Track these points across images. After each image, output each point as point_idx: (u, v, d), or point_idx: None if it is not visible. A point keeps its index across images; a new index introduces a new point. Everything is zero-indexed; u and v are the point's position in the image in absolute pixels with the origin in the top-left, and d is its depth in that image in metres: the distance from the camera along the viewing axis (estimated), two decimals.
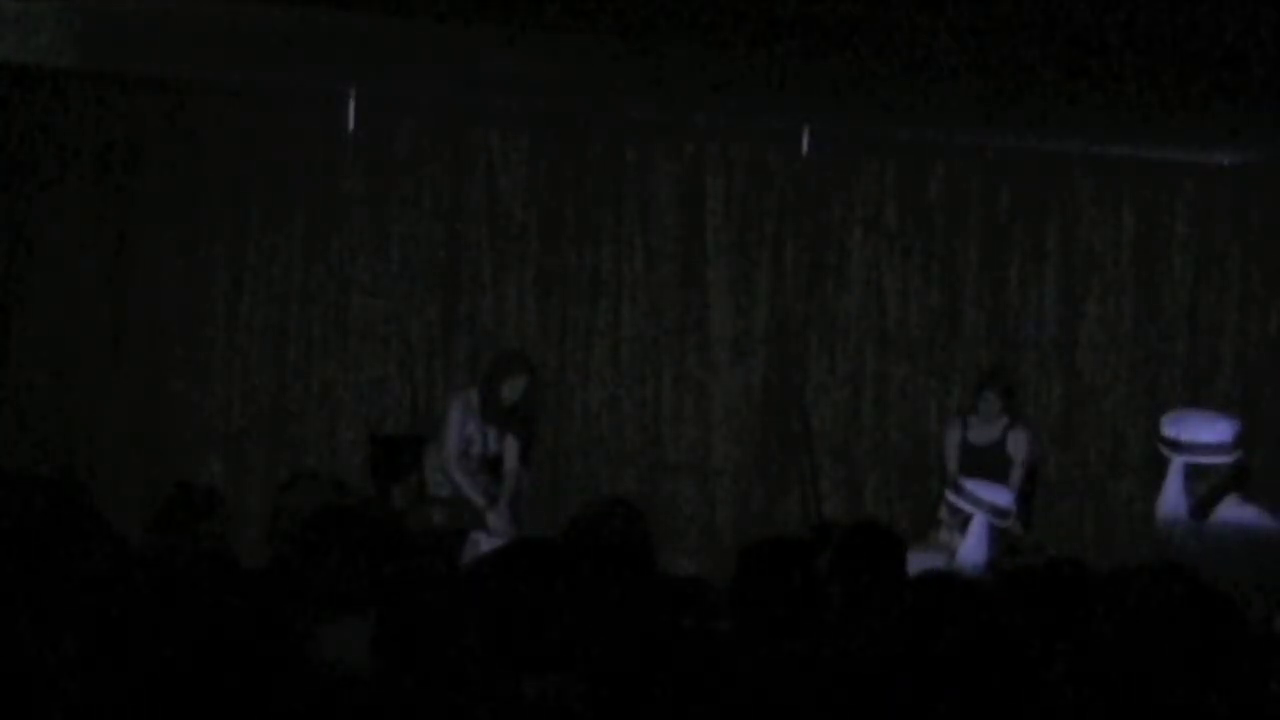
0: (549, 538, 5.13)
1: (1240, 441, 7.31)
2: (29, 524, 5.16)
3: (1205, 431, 7.23)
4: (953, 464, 9.80)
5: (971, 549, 7.59)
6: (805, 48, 8.28)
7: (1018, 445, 9.78)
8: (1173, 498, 7.13)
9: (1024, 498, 9.82)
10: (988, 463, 9.71)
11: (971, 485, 7.86)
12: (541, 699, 3.54)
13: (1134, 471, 11.22)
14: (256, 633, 3.50)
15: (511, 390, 9.32)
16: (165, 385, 10.03)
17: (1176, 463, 7.10)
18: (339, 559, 4.72)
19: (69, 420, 9.87)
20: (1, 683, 3.54)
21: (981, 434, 9.79)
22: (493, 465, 9.46)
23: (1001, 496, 7.88)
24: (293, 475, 7.76)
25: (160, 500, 5.72)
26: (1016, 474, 9.72)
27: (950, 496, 7.78)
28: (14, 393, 9.78)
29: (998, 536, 7.71)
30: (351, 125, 10.28)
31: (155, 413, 9.99)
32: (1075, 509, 11.16)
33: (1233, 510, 7.12)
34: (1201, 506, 7.06)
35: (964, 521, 7.68)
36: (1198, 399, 11.23)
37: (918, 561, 8.51)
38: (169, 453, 9.92)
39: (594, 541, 4.86)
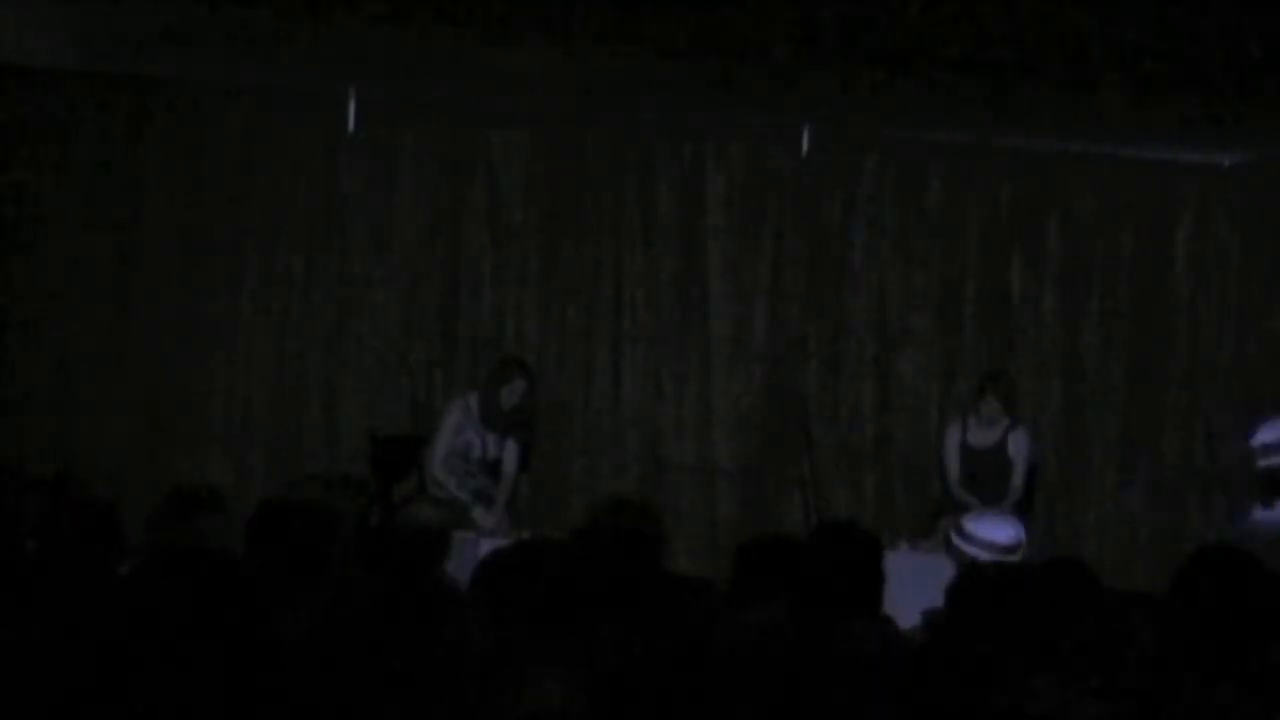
0: (557, 537, 5.15)
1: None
2: (30, 523, 5.16)
3: (1265, 433, 7.23)
4: (953, 467, 9.79)
5: None
6: (805, 48, 8.28)
7: (1018, 447, 9.77)
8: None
9: (1024, 499, 9.82)
10: (988, 465, 9.70)
11: (973, 525, 7.76)
12: (543, 696, 3.54)
13: (1135, 472, 11.21)
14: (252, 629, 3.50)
15: (510, 395, 9.33)
16: (165, 385, 10.03)
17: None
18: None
19: (69, 420, 9.87)
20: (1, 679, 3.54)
21: (981, 436, 9.78)
22: (492, 468, 9.47)
23: (1003, 533, 7.76)
24: (296, 477, 7.78)
25: (160, 500, 5.71)
26: (1017, 476, 9.71)
27: (956, 540, 7.69)
28: (14, 392, 9.78)
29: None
30: (351, 125, 10.28)
31: (155, 413, 9.98)
32: (1076, 510, 11.15)
33: (1261, 513, 7.12)
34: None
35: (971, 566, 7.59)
36: (1197, 399, 11.23)
37: (920, 561, 8.53)
38: (169, 453, 9.92)
39: (605, 540, 4.87)
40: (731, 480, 10.79)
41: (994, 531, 7.75)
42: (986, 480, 9.64)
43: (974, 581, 4.40)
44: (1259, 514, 7.39)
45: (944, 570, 6.92)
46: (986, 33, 7.87)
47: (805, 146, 10.79)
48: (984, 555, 7.54)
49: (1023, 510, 9.61)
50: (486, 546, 8.16)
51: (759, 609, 4.72)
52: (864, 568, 4.96)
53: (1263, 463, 7.85)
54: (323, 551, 4.95)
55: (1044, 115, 9.84)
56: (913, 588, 5.53)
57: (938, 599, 4.71)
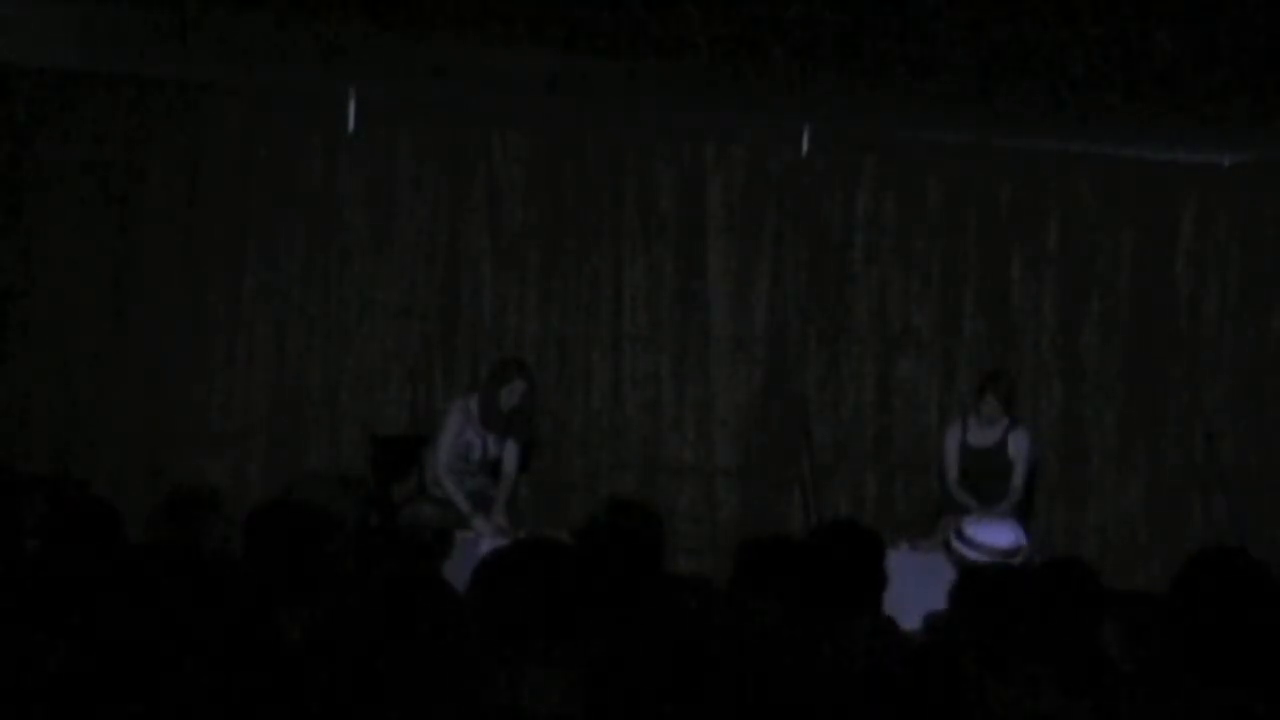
0: (557, 537, 5.14)
1: None
2: (30, 523, 5.16)
3: None
4: (952, 467, 9.79)
5: None
6: (805, 48, 8.28)
7: (1018, 447, 9.77)
8: None
9: (1024, 499, 9.81)
10: (988, 465, 9.69)
11: (973, 529, 7.75)
12: (542, 697, 3.53)
13: (1135, 472, 11.21)
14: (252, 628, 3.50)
15: (509, 396, 9.33)
16: (165, 385, 10.03)
17: None
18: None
19: (69, 420, 9.87)
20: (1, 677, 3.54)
21: (981, 436, 9.78)
22: (493, 468, 9.47)
23: (1004, 537, 7.75)
24: (296, 477, 7.77)
25: (159, 500, 5.71)
26: (1017, 476, 9.71)
27: (956, 544, 7.68)
28: (14, 392, 9.77)
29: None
30: (351, 125, 10.28)
31: (156, 412, 9.98)
32: (1075, 509, 11.15)
33: None
34: None
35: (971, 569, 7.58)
36: (1197, 399, 11.23)
37: (920, 561, 8.53)
38: (169, 452, 9.91)
39: (607, 541, 4.87)
40: (730, 480, 10.80)
41: (995, 535, 7.74)
42: (987, 480, 9.64)
43: (975, 584, 4.40)
44: None
45: (944, 570, 6.93)
46: (987, 33, 7.87)
47: (805, 146, 10.79)
48: (984, 559, 7.53)
49: (1023, 511, 9.61)
50: (486, 546, 8.16)
51: (759, 609, 4.72)
52: (866, 567, 4.96)
53: None
54: (320, 552, 4.95)
55: (1044, 115, 9.84)
56: (913, 588, 5.54)
57: (938, 599, 4.71)
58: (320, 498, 5.69)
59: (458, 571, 5.07)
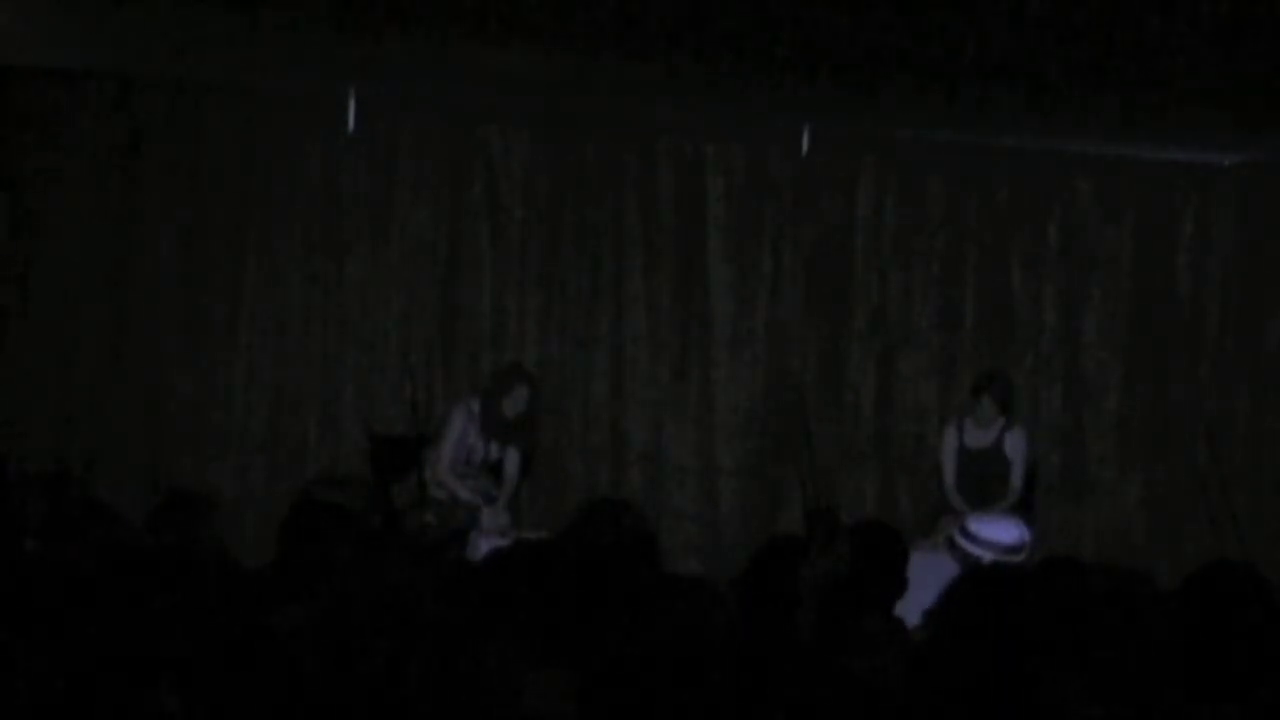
0: (547, 539, 5.14)
1: None
2: (30, 523, 5.17)
3: None
4: (950, 469, 9.79)
5: None
6: (805, 48, 8.28)
7: (1015, 447, 9.77)
8: None
9: (1024, 499, 9.81)
10: (985, 466, 9.70)
11: (977, 525, 7.75)
12: (540, 697, 3.54)
13: (1134, 472, 11.21)
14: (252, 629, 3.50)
15: (512, 404, 9.33)
16: (165, 385, 10.03)
17: None
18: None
19: (69, 419, 9.87)
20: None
21: (978, 437, 9.79)
22: (493, 470, 9.48)
23: (1008, 533, 7.75)
24: (315, 477, 7.76)
25: (156, 502, 5.71)
26: (1015, 476, 9.71)
27: (960, 540, 7.66)
28: (14, 391, 9.77)
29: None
30: (351, 125, 10.27)
31: (155, 413, 9.98)
32: (1075, 509, 11.15)
33: None
34: None
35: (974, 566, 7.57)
36: (1197, 399, 11.23)
37: (920, 561, 8.50)
38: (169, 453, 9.91)
39: (592, 541, 4.87)
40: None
41: (999, 532, 7.75)
42: (985, 481, 9.65)
43: (970, 581, 4.40)
44: None
45: (944, 570, 6.92)
46: (986, 33, 7.87)
47: (805, 146, 10.79)
48: (988, 556, 7.54)
49: (1023, 510, 9.61)
50: (486, 546, 8.17)
51: (768, 608, 4.73)
52: (891, 572, 4.96)
53: None
54: (350, 553, 4.95)
55: (1044, 115, 9.84)
56: (913, 587, 5.53)
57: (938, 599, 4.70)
58: (340, 498, 5.69)
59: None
